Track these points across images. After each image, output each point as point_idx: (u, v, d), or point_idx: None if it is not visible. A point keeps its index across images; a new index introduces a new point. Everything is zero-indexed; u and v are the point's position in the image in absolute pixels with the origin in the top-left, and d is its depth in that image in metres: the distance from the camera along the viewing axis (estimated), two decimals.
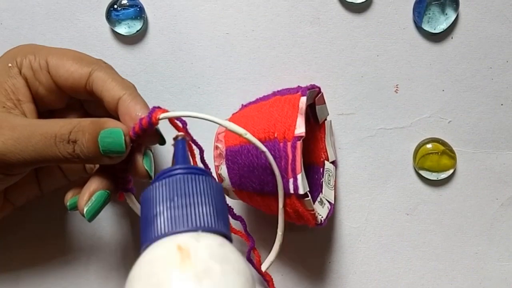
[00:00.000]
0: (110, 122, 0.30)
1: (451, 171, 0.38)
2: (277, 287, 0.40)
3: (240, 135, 0.30)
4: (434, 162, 0.38)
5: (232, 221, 0.33)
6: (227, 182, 0.34)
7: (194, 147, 0.32)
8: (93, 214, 0.30)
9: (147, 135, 0.30)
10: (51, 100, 0.33)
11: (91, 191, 0.30)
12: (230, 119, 0.35)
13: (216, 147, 0.34)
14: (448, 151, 0.38)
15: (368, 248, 0.40)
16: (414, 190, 0.39)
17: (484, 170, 0.39)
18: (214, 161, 0.34)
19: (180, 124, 0.30)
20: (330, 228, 0.40)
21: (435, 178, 0.39)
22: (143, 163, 0.30)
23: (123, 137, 0.29)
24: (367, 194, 0.39)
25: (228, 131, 0.34)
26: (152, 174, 0.31)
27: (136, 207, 0.32)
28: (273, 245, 0.33)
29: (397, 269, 0.40)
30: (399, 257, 0.39)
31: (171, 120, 0.30)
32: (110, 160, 0.29)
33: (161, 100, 0.40)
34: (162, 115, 0.29)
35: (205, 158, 0.33)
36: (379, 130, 0.39)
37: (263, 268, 0.34)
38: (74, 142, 0.29)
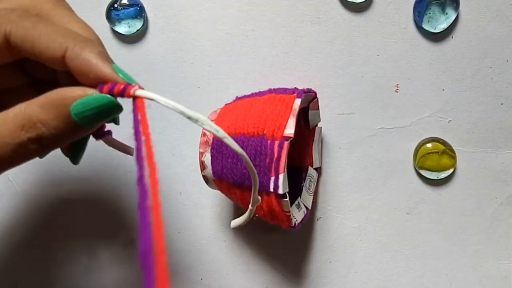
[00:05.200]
0: None
1: (451, 170, 0.39)
2: (278, 286, 0.40)
3: (219, 138, 0.25)
4: (434, 162, 0.38)
5: None
6: (208, 170, 0.33)
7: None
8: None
9: None
10: None
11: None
12: (222, 109, 0.35)
13: (204, 134, 0.33)
14: (448, 151, 0.38)
15: (368, 248, 0.40)
16: (414, 190, 0.39)
17: (483, 169, 0.39)
18: (199, 148, 0.34)
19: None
20: (331, 227, 0.40)
21: (435, 178, 0.39)
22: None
23: None
24: (367, 194, 0.39)
25: (219, 120, 0.33)
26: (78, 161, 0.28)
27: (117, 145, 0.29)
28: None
29: (397, 268, 0.40)
30: (399, 256, 0.40)
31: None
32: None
33: None
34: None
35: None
36: (379, 129, 0.39)
37: (232, 225, 0.32)
38: None
